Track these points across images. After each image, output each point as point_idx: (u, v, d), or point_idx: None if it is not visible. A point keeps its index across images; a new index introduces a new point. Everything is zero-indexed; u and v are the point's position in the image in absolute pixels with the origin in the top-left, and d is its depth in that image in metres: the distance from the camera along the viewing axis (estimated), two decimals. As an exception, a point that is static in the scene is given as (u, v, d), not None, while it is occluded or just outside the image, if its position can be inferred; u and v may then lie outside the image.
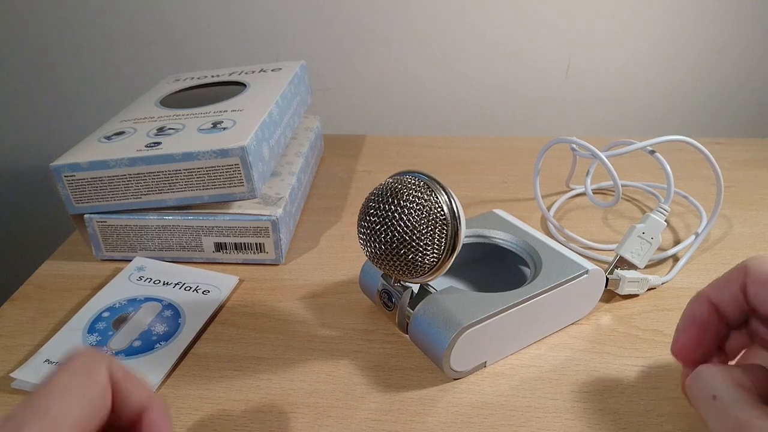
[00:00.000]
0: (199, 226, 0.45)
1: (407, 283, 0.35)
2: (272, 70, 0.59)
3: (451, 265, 0.33)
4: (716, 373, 0.24)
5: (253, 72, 0.60)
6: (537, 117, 0.81)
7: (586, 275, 0.36)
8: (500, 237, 0.42)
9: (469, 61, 0.78)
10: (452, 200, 0.32)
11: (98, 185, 0.44)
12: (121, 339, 0.38)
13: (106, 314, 0.40)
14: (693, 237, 0.47)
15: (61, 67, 0.81)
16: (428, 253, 0.31)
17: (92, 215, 0.46)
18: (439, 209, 0.31)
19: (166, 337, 0.38)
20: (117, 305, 0.41)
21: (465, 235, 0.38)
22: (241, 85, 0.56)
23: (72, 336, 0.38)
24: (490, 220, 0.43)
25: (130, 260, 0.46)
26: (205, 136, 0.45)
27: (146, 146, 0.44)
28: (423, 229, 0.31)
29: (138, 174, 0.43)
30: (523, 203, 0.55)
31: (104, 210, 0.45)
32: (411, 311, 0.34)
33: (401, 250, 0.31)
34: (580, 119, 0.81)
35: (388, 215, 0.31)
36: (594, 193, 0.57)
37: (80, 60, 0.81)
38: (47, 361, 0.36)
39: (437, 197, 0.31)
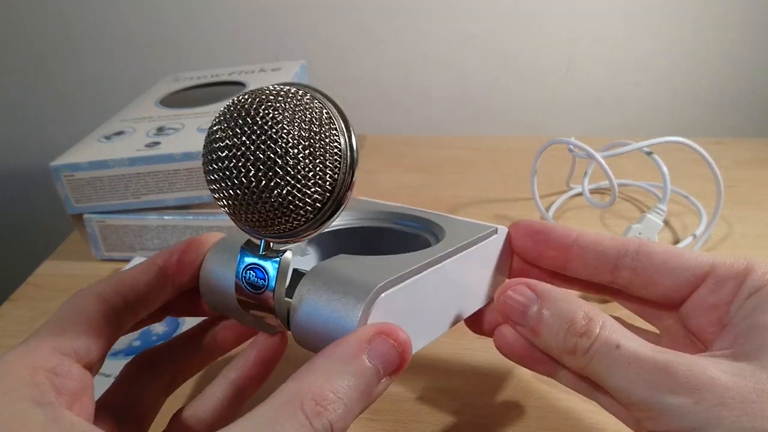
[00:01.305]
0: (198, 226, 0.45)
1: (284, 246, 0.22)
2: (272, 70, 0.59)
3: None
4: (606, 317, 0.22)
5: (253, 72, 0.60)
6: (537, 117, 0.81)
7: (495, 235, 0.28)
8: (381, 218, 0.31)
9: (469, 61, 0.78)
10: (337, 105, 0.22)
11: (98, 185, 0.44)
12: (120, 339, 0.38)
13: (105, 314, 0.40)
14: (691, 238, 0.47)
15: (61, 67, 0.81)
16: (315, 179, 0.20)
17: (92, 215, 0.46)
18: (318, 112, 0.20)
19: (166, 336, 0.38)
20: (116, 305, 0.41)
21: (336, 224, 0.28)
22: (241, 85, 0.56)
23: (71, 336, 0.38)
24: (356, 207, 0.32)
25: (130, 260, 0.46)
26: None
27: (146, 146, 0.44)
28: (302, 143, 0.19)
29: (137, 174, 0.43)
30: (522, 203, 0.55)
31: (104, 210, 0.45)
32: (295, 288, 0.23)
33: (270, 182, 0.19)
34: (581, 119, 0.81)
35: (245, 137, 0.19)
36: (594, 192, 0.57)
37: (80, 59, 0.81)
38: (47, 360, 0.36)
39: (314, 100, 0.21)
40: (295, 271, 0.23)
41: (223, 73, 0.61)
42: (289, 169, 0.19)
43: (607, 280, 0.26)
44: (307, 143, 0.19)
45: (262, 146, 0.19)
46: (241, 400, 0.25)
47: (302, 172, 0.19)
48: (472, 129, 0.82)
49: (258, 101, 0.20)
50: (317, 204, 0.20)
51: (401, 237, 0.30)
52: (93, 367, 0.22)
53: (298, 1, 0.75)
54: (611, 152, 0.45)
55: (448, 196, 0.57)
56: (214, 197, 0.21)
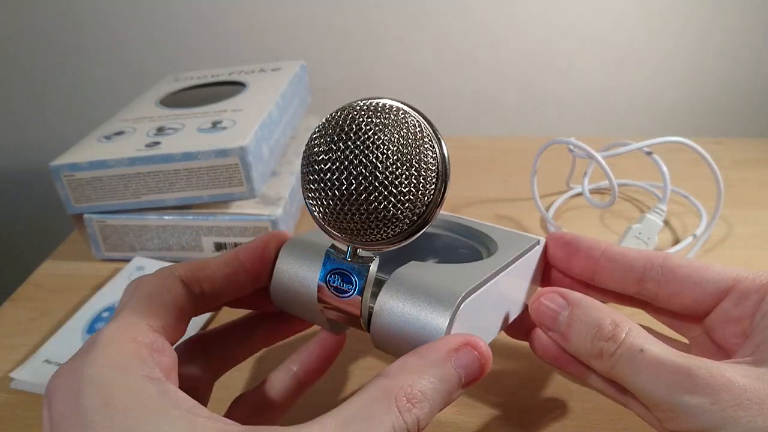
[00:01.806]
0: (198, 226, 0.45)
1: (372, 252, 0.23)
2: (272, 70, 0.59)
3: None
4: (632, 324, 0.23)
5: (253, 72, 0.60)
6: (538, 116, 0.81)
7: (537, 246, 0.29)
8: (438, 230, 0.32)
9: (469, 61, 0.78)
10: (428, 120, 0.23)
11: (98, 185, 0.44)
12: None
13: (105, 314, 0.40)
14: (691, 238, 0.47)
15: (61, 67, 0.81)
16: (410, 195, 0.21)
17: (92, 215, 0.46)
18: (413, 127, 0.21)
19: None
20: (116, 305, 0.41)
21: None
22: (241, 85, 0.56)
23: (72, 336, 0.38)
24: None
25: (130, 260, 0.46)
26: (205, 135, 0.45)
27: (146, 146, 0.44)
28: (401, 159, 0.21)
29: (137, 174, 0.43)
30: (522, 203, 0.55)
31: (104, 210, 0.45)
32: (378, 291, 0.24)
33: (370, 195, 0.20)
34: (581, 119, 0.81)
35: (347, 150, 0.20)
36: (594, 192, 0.57)
37: (80, 60, 0.81)
38: (47, 361, 0.36)
39: (408, 114, 0.22)
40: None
41: (223, 73, 0.61)
42: (387, 183, 0.20)
43: (634, 292, 0.27)
44: (404, 158, 0.20)
45: (363, 159, 0.20)
46: (300, 392, 0.27)
47: (399, 188, 0.20)
48: (472, 129, 0.82)
49: (355, 114, 0.21)
50: (413, 217, 0.21)
51: (452, 245, 0.31)
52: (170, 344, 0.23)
53: (298, 1, 0.75)
54: (611, 152, 0.45)
55: (449, 196, 0.57)
56: (309, 203, 0.22)
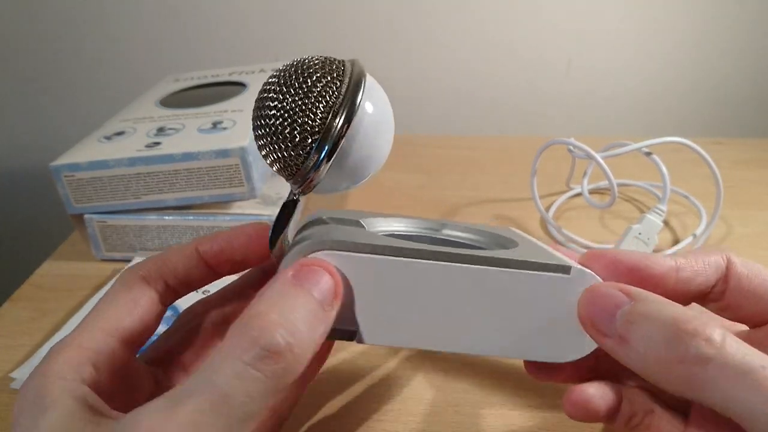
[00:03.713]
0: (198, 227, 0.45)
1: (297, 187, 0.22)
2: (272, 70, 0.59)
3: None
4: (719, 321, 0.20)
5: (253, 72, 0.60)
6: (537, 117, 0.81)
7: (565, 276, 0.22)
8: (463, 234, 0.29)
9: (469, 61, 0.78)
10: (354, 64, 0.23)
11: (98, 185, 0.44)
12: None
13: (105, 314, 0.40)
14: (691, 238, 0.47)
15: (61, 67, 0.81)
16: (304, 109, 0.21)
17: (92, 215, 0.46)
18: (329, 63, 0.22)
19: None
20: (117, 305, 0.41)
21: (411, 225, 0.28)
22: (241, 85, 0.56)
23: (72, 336, 0.38)
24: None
25: (130, 260, 0.46)
26: (205, 136, 0.45)
27: (146, 146, 0.44)
28: (297, 80, 0.22)
29: (138, 174, 0.43)
30: (522, 203, 0.55)
31: (104, 210, 0.45)
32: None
33: (269, 114, 0.22)
34: (582, 118, 0.81)
35: (264, 90, 0.22)
36: (594, 192, 0.57)
37: (80, 59, 0.81)
38: (47, 361, 0.36)
39: (325, 78, 0.22)
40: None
41: (223, 73, 0.61)
42: (281, 104, 0.21)
43: (696, 302, 0.23)
44: (283, 110, 0.21)
45: (260, 104, 0.22)
46: (279, 426, 0.26)
47: (291, 106, 0.21)
48: (472, 129, 0.82)
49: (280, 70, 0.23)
50: (306, 138, 0.21)
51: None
52: (135, 343, 0.23)
53: (298, 1, 0.75)
54: (611, 152, 0.45)
55: (448, 196, 0.57)
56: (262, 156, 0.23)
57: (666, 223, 0.51)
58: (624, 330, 0.19)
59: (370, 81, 0.22)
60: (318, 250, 0.21)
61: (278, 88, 0.21)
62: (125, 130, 0.48)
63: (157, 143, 0.44)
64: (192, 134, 0.45)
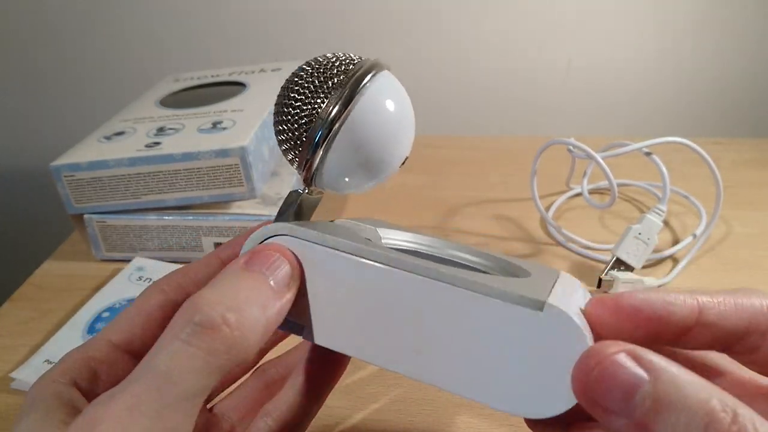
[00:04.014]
0: (198, 226, 0.45)
1: (301, 173, 0.23)
2: (272, 70, 0.59)
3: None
4: (747, 409, 0.15)
5: (253, 72, 0.60)
6: (538, 116, 0.81)
7: (536, 313, 0.18)
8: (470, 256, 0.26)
9: (469, 61, 0.78)
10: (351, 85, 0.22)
11: (98, 185, 0.44)
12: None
13: (105, 314, 0.40)
14: (690, 238, 0.47)
15: (61, 67, 0.81)
16: (312, 100, 0.22)
17: (92, 215, 0.46)
18: (338, 60, 0.23)
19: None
20: (117, 305, 0.41)
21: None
22: (241, 85, 0.56)
23: (72, 336, 0.38)
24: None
25: (130, 260, 0.46)
26: (205, 136, 0.45)
27: (146, 146, 0.44)
28: (315, 72, 0.23)
29: (138, 174, 0.43)
30: (522, 203, 0.55)
31: (104, 210, 0.45)
32: None
33: (285, 101, 0.22)
34: (581, 119, 0.81)
35: (288, 79, 0.23)
36: (594, 192, 0.57)
37: (80, 59, 0.81)
38: (47, 361, 0.36)
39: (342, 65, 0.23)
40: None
41: (223, 73, 0.61)
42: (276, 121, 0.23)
43: (716, 350, 0.20)
44: (278, 107, 0.22)
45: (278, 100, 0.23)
46: None
47: (289, 108, 0.22)
48: (472, 129, 0.82)
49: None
50: (309, 122, 0.22)
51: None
52: (142, 353, 0.22)
53: (298, 1, 0.75)
54: (611, 152, 0.45)
55: (448, 196, 0.57)
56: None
57: (666, 223, 0.51)
58: (644, 417, 0.15)
59: (382, 79, 0.23)
60: (278, 235, 0.21)
61: (296, 78, 0.22)
62: (125, 130, 0.48)
63: (157, 143, 0.44)
64: (192, 134, 0.45)
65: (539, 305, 0.18)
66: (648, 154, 0.45)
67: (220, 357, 0.17)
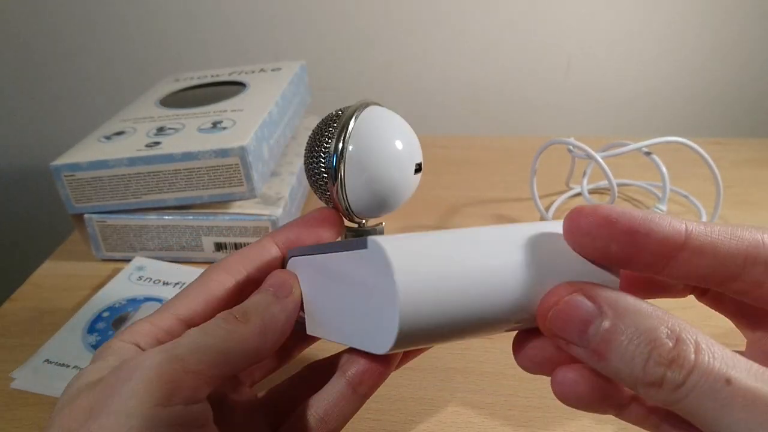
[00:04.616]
0: (198, 226, 0.45)
1: (349, 217, 0.27)
2: (272, 70, 0.59)
3: None
4: (699, 334, 0.17)
5: (253, 72, 0.60)
6: (538, 116, 0.81)
7: (364, 251, 0.19)
8: None
9: (469, 61, 0.78)
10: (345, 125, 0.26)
11: (98, 185, 0.44)
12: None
13: (106, 314, 0.40)
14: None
15: (61, 67, 0.81)
16: (313, 174, 0.26)
17: (92, 215, 0.46)
18: (325, 133, 0.26)
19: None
20: (117, 305, 0.41)
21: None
22: (241, 85, 0.56)
23: (72, 336, 0.38)
24: None
25: (130, 260, 0.46)
26: (205, 135, 0.45)
27: (146, 146, 0.44)
28: (325, 125, 0.27)
29: (138, 174, 0.43)
30: (522, 203, 0.55)
31: (104, 210, 0.45)
32: None
33: (307, 157, 0.27)
34: (581, 119, 0.81)
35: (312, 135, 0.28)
36: (594, 192, 0.57)
37: (80, 59, 0.81)
38: (47, 361, 0.36)
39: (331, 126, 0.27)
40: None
41: (223, 73, 0.61)
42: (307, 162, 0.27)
43: (716, 287, 0.19)
44: (308, 152, 0.27)
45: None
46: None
47: (308, 161, 0.27)
48: (472, 129, 0.82)
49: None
50: (323, 178, 0.26)
51: None
52: None
53: (298, 1, 0.75)
54: (610, 152, 0.45)
55: (448, 196, 0.57)
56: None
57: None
58: (599, 345, 0.17)
59: (368, 111, 0.26)
60: (291, 257, 0.26)
61: (311, 138, 0.27)
62: (125, 130, 0.48)
63: (157, 143, 0.44)
64: (192, 134, 0.45)
65: (364, 243, 0.19)
66: (648, 153, 0.45)
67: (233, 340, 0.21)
